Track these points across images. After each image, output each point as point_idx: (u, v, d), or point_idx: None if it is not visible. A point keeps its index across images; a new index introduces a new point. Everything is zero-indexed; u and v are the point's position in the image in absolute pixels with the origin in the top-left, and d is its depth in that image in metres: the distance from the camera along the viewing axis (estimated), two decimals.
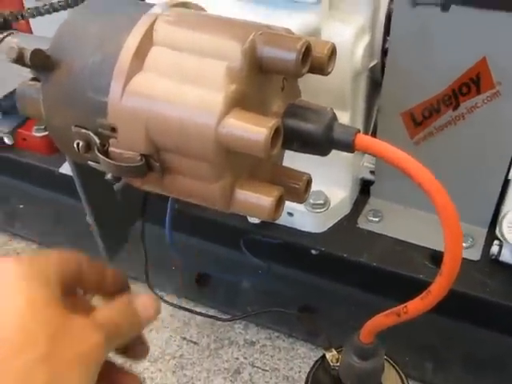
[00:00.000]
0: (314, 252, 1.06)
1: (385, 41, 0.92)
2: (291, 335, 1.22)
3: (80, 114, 0.66)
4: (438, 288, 0.64)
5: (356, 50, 0.87)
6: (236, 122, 0.58)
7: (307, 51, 0.61)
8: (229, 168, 0.63)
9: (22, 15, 0.87)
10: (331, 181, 1.00)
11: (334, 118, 0.65)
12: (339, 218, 1.06)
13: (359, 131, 0.64)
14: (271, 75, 0.65)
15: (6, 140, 0.79)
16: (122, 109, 0.62)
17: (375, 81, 0.99)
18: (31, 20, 1.06)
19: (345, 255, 1.01)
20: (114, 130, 0.64)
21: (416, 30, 0.85)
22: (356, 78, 0.91)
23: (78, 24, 0.67)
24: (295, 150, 0.66)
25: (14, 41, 0.80)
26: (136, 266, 1.29)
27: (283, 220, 1.05)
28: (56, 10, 0.92)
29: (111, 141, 0.65)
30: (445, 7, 0.50)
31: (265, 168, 0.70)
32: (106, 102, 0.63)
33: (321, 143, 0.64)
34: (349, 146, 0.64)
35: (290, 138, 0.64)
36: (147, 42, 0.63)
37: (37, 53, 0.64)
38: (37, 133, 1.23)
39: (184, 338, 1.25)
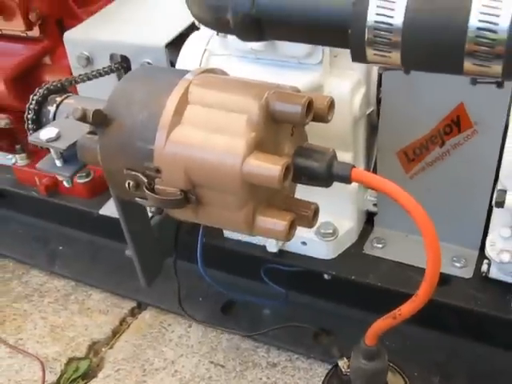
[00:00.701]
0: (326, 277, 1.20)
1: (379, 90, 1.09)
2: (309, 356, 1.33)
3: (130, 159, 0.82)
4: (424, 291, 0.79)
5: (354, 100, 1.03)
6: (256, 162, 0.74)
7: (310, 105, 0.77)
8: (251, 199, 0.78)
9: (75, 80, 1.05)
10: (339, 213, 1.15)
11: (334, 157, 0.81)
12: (347, 246, 1.20)
13: (354, 166, 0.79)
14: (282, 124, 0.81)
15: (66, 184, 0.95)
16: (166, 154, 0.78)
17: (373, 125, 1.14)
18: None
19: (353, 277, 1.15)
20: (158, 171, 0.80)
21: (404, 82, 1.01)
22: (355, 123, 1.07)
23: (127, 89, 0.85)
24: (303, 183, 0.82)
25: (72, 102, 0.98)
26: (166, 298, 1.44)
27: (298, 249, 1.19)
28: (101, 75, 1.11)
29: (156, 180, 0.81)
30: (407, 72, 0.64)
31: (279, 199, 0.85)
32: (152, 149, 0.79)
33: (323, 177, 0.80)
34: (346, 179, 0.79)
35: (299, 173, 0.80)
36: (184, 101, 0.80)
37: (97, 113, 0.81)
38: (79, 179, 1.41)
39: (212, 362, 1.37)
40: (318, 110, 0.80)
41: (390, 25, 0.52)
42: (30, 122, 0.97)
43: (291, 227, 0.79)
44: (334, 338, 1.32)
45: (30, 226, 1.69)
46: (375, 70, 1.08)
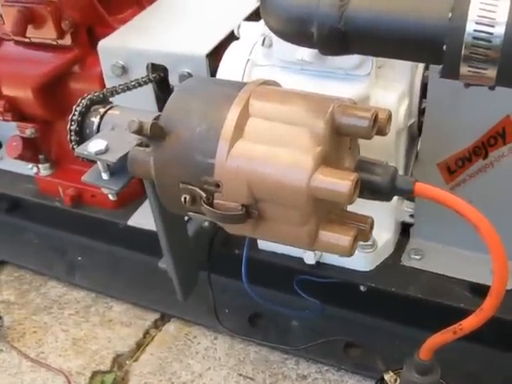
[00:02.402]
0: (362, 289, 1.19)
1: (421, 102, 1.08)
2: (340, 368, 1.32)
3: (187, 173, 0.81)
4: (489, 305, 0.77)
5: (399, 112, 1.03)
6: (323, 178, 0.73)
7: (376, 118, 0.76)
8: (314, 214, 0.77)
9: (116, 91, 1.03)
10: (378, 224, 1.13)
11: (397, 170, 0.80)
12: (385, 258, 1.19)
13: (417, 181, 0.78)
14: (343, 137, 0.80)
15: (111, 197, 0.94)
16: (227, 168, 0.77)
17: (412, 136, 1.14)
18: None
19: (393, 289, 1.14)
20: (217, 185, 0.79)
21: (449, 94, 1.00)
22: (399, 134, 1.06)
23: (183, 101, 0.83)
24: (364, 198, 0.81)
25: (117, 113, 0.96)
26: (191, 309, 1.42)
27: (335, 260, 1.18)
28: (140, 85, 1.09)
29: (216, 194, 0.79)
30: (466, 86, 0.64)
31: (337, 213, 0.84)
32: (212, 163, 0.78)
33: (386, 191, 0.79)
34: (409, 193, 0.78)
35: (361, 188, 0.78)
36: (245, 114, 0.78)
37: (154, 125, 0.79)
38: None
39: (240, 375, 1.35)
40: (379, 123, 0.79)
41: (489, 41, 0.51)
42: (73, 133, 0.95)
43: (355, 242, 0.78)
44: (366, 350, 1.30)
45: (45, 237, 1.65)
46: (418, 81, 1.07)
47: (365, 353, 1.29)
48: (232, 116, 0.77)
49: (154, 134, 0.79)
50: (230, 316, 1.42)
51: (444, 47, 0.54)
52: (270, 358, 1.37)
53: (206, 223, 0.84)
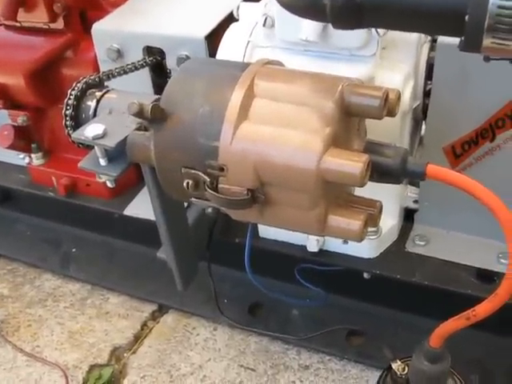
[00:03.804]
0: (366, 276, 1.16)
1: (426, 84, 1.05)
2: (343, 357, 1.30)
3: (190, 157, 0.77)
4: (504, 290, 0.75)
5: (404, 94, 1.00)
6: (334, 159, 0.70)
7: (386, 98, 0.73)
8: (323, 197, 0.74)
9: (112, 74, 0.99)
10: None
11: (408, 152, 0.77)
12: (389, 244, 1.17)
13: (429, 162, 0.76)
14: (351, 118, 0.77)
15: (109, 184, 0.90)
16: (233, 151, 0.74)
17: (416, 119, 1.11)
18: None
19: (398, 276, 1.11)
20: (222, 169, 0.75)
21: (457, 75, 0.98)
22: (403, 117, 1.03)
23: (185, 82, 0.80)
24: (374, 181, 0.78)
25: (114, 96, 0.92)
26: (188, 300, 1.39)
27: (338, 247, 1.15)
28: (137, 68, 1.05)
29: (220, 179, 0.76)
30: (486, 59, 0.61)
31: (345, 197, 0.81)
32: (216, 146, 0.74)
33: (397, 174, 0.76)
34: (421, 176, 0.76)
35: (371, 170, 0.75)
36: (250, 95, 0.75)
37: (155, 107, 0.76)
38: (100, 178, 1.34)
39: (241, 366, 1.33)
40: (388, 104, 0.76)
41: None
42: (68, 118, 0.91)
43: (365, 226, 0.75)
44: (369, 338, 1.28)
45: (38, 228, 1.62)
46: (423, 62, 1.04)
47: (368, 341, 1.28)
48: (236, 97, 0.74)
49: (154, 117, 0.76)
50: (229, 306, 1.40)
51: (466, 17, 0.51)
52: (270, 349, 1.34)
53: (210, 209, 0.81)
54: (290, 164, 0.71)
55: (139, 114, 0.75)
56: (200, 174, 0.77)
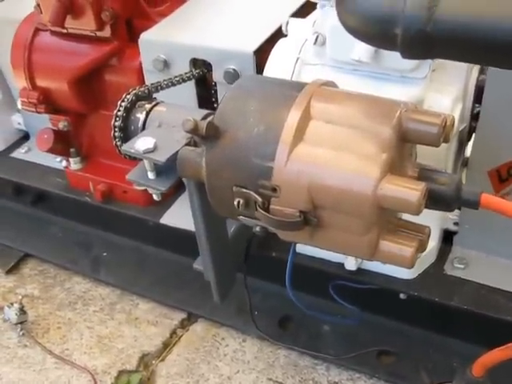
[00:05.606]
0: (402, 296, 1.16)
1: (473, 107, 1.04)
2: (373, 376, 1.29)
3: (242, 175, 0.77)
4: None
5: None
6: (391, 186, 0.69)
7: (444, 125, 0.73)
8: (376, 223, 0.73)
9: (160, 86, 1.00)
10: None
11: (461, 180, 0.76)
12: (427, 266, 1.16)
13: (482, 192, 0.75)
14: (406, 144, 0.77)
15: (155, 197, 0.90)
16: (287, 173, 0.73)
17: (461, 142, 1.10)
18: None
19: (436, 299, 1.10)
20: (275, 190, 0.75)
21: (506, 98, 0.97)
22: (450, 140, 1.02)
23: (239, 100, 0.80)
24: (427, 207, 0.77)
25: (163, 110, 0.92)
26: (218, 310, 1.39)
27: (376, 267, 1.15)
28: (184, 81, 1.06)
29: (272, 199, 0.75)
30: None
31: (394, 222, 0.80)
32: (270, 166, 0.74)
33: (451, 201, 0.75)
34: (475, 205, 0.75)
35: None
36: (306, 116, 0.75)
37: (210, 125, 0.75)
38: (138, 186, 1.34)
39: (270, 379, 1.32)
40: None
41: None
42: (117, 129, 0.92)
43: (416, 252, 0.74)
44: (399, 358, 1.27)
45: (70, 231, 1.63)
46: (472, 85, 1.03)
47: (399, 361, 1.26)
48: (293, 118, 0.74)
49: (208, 134, 0.76)
50: (259, 318, 1.39)
51: None
52: (299, 363, 1.34)
53: (258, 228, 0.81)
54: (345, 188, 0.71)
55: (194, 131, 0.75)
56: (252, 193, 0.76)
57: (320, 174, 0.72)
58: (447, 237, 1.22)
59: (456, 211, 1.16)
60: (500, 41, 0.52)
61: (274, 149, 0.74)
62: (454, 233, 1.19)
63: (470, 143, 1.12)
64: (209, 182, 0.81)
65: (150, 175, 0.87)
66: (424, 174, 0.77)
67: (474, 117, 1.05)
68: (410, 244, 0.74)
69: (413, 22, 0.55)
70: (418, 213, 0.69)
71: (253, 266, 1.20)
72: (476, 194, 0.74)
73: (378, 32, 0.59)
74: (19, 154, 1.69)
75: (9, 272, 1.58)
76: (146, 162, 0.86)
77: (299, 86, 0.78)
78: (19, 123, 1.72)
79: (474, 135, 1.08)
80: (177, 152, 0.83)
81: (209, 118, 0.77)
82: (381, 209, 0.71)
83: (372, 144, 0.71)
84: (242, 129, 0.77)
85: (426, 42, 0.55)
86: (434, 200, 0.76)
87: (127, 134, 0.93)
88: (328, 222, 0.75)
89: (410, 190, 0.68)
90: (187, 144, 0.84)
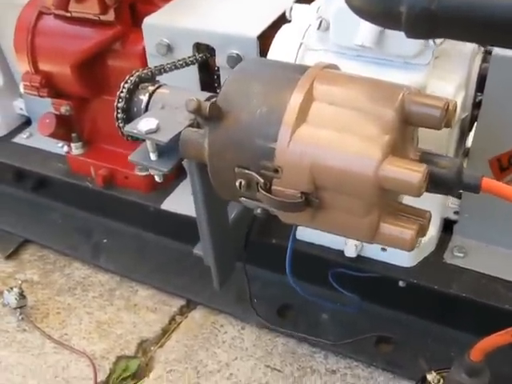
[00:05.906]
0: (401, 284, 1.16)
1: (475, 95, 1.05)
2: (371, 364, 1.29)
3: (245, 157, 0.77)
4: None
5: None
6: (393, 168, 0.70)
7: (447, 109, 0.73)
8: (377, 205, 0.74)
9: (163, 69, 1.00)
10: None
11: (462, 164, 0.77)
12: (427, 254, 1.17)
13: (483, 176, 0.75)
14: (408, 127, 0.77)
15: (157, 178, 0.91)
16: (289, 154, 0.74)
17: (462, 130, 1.10)
18: None
19: (435, 287, 1.11)
20: (277, 171, 0.75)
21: (509, 87, 0.97)
22: (452, 127, 1.02)
23: (242, 82, 0.80)
24: (427, 191, 0.77)
25: (166, 92, 0.93)
26: (217, 297, 1.39)
27: (376, 254, 1.15)
28: (187, 64, 1.06)
29: (274, 180, 0.76)
30: None
31: (394, 205, 0.81)
32: (273, 147, 0.74)
33: (452, 185, 0.76)
34: (475, 188, 0.75)
35: None
36: (309, 98, 0.75)
37: (214, 105, 0.76)
38: (139, 172, 1.35)
39: (268, 366, 1.32)
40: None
41: None
42: (120, 111, 0.92)
43: (416, 236, 0.75)
44: (397, 347, 1.27)
45: (70, 217, 1.63)
46: (474, 73, 1.03)
47: (397, 350, 1.27)
48: (295, 99, 0.74)
49: (211, 115, 0.76)
50: (258, 306, 1.39)
51: None
52: (298, 351, 1.34)
53: (259, 210, 0.81)
54: (347, 169, 0.71)
55: (197, 111, 0.75)
56: (254, 174, 0.77)
57: (322, 154, 0.72)
58: (447, 226, 1.22)
59: (456, 200, 1.17)
60: (505, 19, 0.52)
61: (277, 130, 0.74)
62: (454, 222, 1.19)
63: (471, 134, 1.13)
64: (211, 163, 0.81)
65: (152, 156, 0.87)
66: (425, 158, 0.77)
67: (476, 105, 1.05)
68: (410, 227, 0.74)
69: (417, 0, 0.55)
70: (418, 195, 0.69)
71: (252, 253, 1.20)
72: (477, 178, 0.74)
73: (382, 10, 0.59)
74: (21, 139, 1.68)
75: (8, 257, 1.59)
76: (148, 143, 0.87)
77: (302, 69, 0.78)
78: (21, 108, 1.72)
79: (475, 124, 1.08)
80: (179, 133, 0.84)
81: (212, 100, 0.77)
82: (382, 190, 0.71)
83: (374, 126, 0.72)
84: (245, 110, 0.77)
85: (430, 21, 0.55)
86: (435, 183, 0.76)
87: (130, 115, 0.93)
88: (329, 204, 0.75)
89: (411, 172, 0.69)
90: (190, 125, 0.85)
